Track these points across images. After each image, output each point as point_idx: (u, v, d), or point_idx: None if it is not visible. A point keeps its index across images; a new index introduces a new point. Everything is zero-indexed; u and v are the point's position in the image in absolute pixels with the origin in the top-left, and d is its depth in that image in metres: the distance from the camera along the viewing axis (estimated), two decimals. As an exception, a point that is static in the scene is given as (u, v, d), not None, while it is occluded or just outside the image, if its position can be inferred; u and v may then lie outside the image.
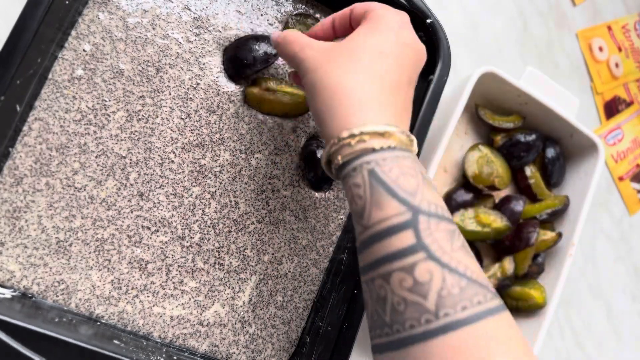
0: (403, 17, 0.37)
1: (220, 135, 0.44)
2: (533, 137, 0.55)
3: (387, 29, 0.35)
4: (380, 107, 0.33)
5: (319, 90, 0.34)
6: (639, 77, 0.74)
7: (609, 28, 0.73)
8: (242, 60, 0.44)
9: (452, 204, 0.54)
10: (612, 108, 0.72)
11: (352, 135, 0.32)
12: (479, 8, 0.64)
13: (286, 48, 0.38)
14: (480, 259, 0.54)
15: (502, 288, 0.55)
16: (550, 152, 0.57)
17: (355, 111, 0.33)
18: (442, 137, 0.49)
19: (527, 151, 0.56)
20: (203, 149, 0.43)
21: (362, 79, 0.33)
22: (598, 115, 0.71)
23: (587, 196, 0.55)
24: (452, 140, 0.57)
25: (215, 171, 0.43)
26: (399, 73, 0.35)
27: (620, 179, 0.72)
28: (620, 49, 0.73)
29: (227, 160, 0.44)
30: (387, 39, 0.35)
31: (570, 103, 0.56)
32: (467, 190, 0.55)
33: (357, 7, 0.39)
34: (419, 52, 0.36)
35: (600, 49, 0.71)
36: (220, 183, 0.43)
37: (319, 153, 0.46)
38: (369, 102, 0.33)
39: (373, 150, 0.31)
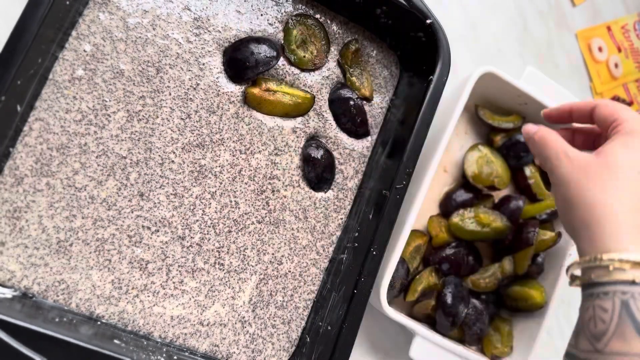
0: None
1: (220, 135, 0.44)
2: (533, 137, 0.55)
3: None
4: (636, 232, 0.33)
5: (575, 205, 0.35)
6: (638, 78, 0.74)
7: (609, 28, 0.73)
8: (244, 62, 0.44)
9: (451, 203, 0.54)
10: (611, 108, 0.72)
11: (612, 260, 0.32)
12: (478, 8, 0.64)
13: (541, 149, 0.39)
14: (480, 259, 0.54)
15: (502, 288, 0.55)
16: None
17: (616, 234, 0.33)
18: (442, 137, 0.49)
19: (527, 151, 0.56)
20: (203, 149, 0.43)
21: (622, 200, 0.34)
22: (598, 116, 0.71)
23: (586, 196, 0.55)
24: (452, 140, 0.57)
25: (215, 171, 0.43)
26: None
27: (620, 179, 0.71)
28: (619, 50, 0.73)
29: (227, 160, 0.44)
30: None
31: (570, 103, 0.56)
32: (467, 190, 0.55)
33: (602, 106, 0.38)
34: None
35: (600, 49, 0.71)
36: (221, 183, 0.44)
37: (319, 153, 0.46)
38: (631, 228, 0.33)
39: (633, 283, 0.31)
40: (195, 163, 0.43)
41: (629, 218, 0.33)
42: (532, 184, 0.57)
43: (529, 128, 0.41)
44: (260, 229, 0.45)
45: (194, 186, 0.43)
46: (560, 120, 0.43)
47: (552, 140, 0.38)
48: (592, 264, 0.33)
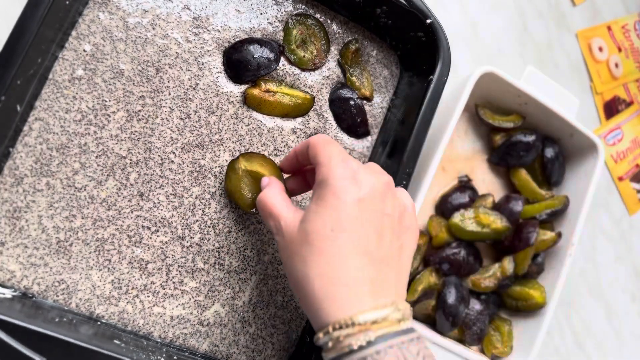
0: (349, 167, 0.34)
1: (220, 135, 0.44)
2: (533, 137, 0.55)
3: (333, 198, 0.33)
4: (351, 293, 0.31)
5: (293, 287, 0.35)
6: (638, 77, 0.74)
7: (609, 28, 0.73)
8: (246, 65, 0.44)
9: (447, 206, 0.54)
10: (611, 108, 0.72)
11: (328, 335, 0.31)
12: (478, 8, 0.64)
13: (264, 218, 0.38)
14: (480, 259, 0.54)
15: (502, 288, 0.55)
16: (549, 152, 0.57)
17: (325, 307, 0.32)
18: (442, 137, 0.49)
19: (527, 151, 0.56)
20: (203, 150, 0.43)
21: (322, 269, 0.32)
22: (598, 115, 0.71)
23: (586, 196, 0.55)
24: (452, 139, 0.57)
25: (215, 172, 0.43)
26: (359, 242, 0.33)
27: (620, 179, 0.72)
28: (620, 49, 0.73)
29: (226, 160, 0.44)
30: (335, 212, 0.33)
31: (570, 103, 0.56)
32: (462, 192, 0.55)
33: (311, 144, 0.37)
34: (380, 200, 0.34)
35: (600, 49, 0.71)
36: (220, 184, 0.43)
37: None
38: (334, 293, 0.31)
39: (360, 348, 0.30)
40: (195, 163, 0.43)
41: (328, 283, 0.32)
42: (520, 188, 0.57)
43: (263, 181, 0.41)
44: (260, 229, 0.45)
45: (194, 186, 0.43)
46: (293, 168, 0.42)
47: (270, 207, 0.37)
48: (322, 341, 0.32)
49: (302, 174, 0.43)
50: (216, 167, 0.44)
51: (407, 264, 0.35)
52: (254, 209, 0.43)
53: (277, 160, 0.45)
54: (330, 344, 0.31)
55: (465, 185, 0.56)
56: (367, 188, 0.34)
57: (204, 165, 0.43)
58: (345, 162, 0.34)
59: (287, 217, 0.35)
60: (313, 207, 0.34)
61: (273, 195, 0.38)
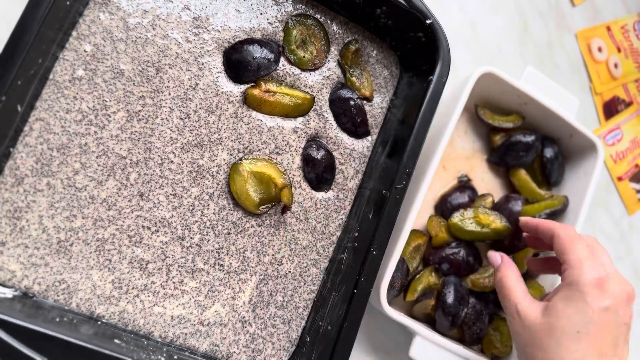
0: (599, 274, 0.37)
1: (219, 135, 0.44)
2: (532, 137, 0.56)
3: (583, 302, 0.37)
4: None
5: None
6: (638, 78, 0.74)
7: (608, 28, 0.73)
8: (246, 66, 0.44)
9: (447, 206, 0.54)
10: (611, 108, 0.72)
11: None
12: (478, 8, 0.64)
13: (500, 296, 0.42)
14: (479, 259, 0.54)
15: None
16: (549, 152, 0.57)
17: None
18: (442, 137, 0.49)
19: (526, 151, 0.56)
20: (201, 149, 0.43)
21: None
22: (597, 116, 0.71)
23: (586, 196, 0.56)
24: (452, 139, 0.57)
25: (212, 172, 0.43)
26: (599, 347, 0.36)
27: (620, 179, 0.72)
28: (619, 50, 0.73)
29: (224, 160, 0.44)
30: (583, 314, 0.36)
31: (570, 103, 0.56)
32: (462, 193, 0.55)
33: (558, 240, 0.41)
34: (622, 310, 0.37)
35: (600, 49, 0.71)
36: (218, 184, 0.44)
37: (319, 154, 0.46)
38: None
39: None
40: (194, 163, 0.43)
41: None
42: (519, 188, 0.57)
43: (494, 258, 0.46)
44: (260, 231, 0.45)
45: (193, 187, 0.43)
46: (530, 232, 0.47)
47: (509, 290, 0.41)
48: None
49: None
50: (214, 166, 0.44)
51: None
52: (260, 209, 0.43)
53: (280, 159, 0.46)
54: None
55: (464, 185, 0.56)
56: (613, 298, 0.37)
57: (202, 165, 0.43)
58: (594, 267, 0.38)
59: (526, 303, 0.40)
60: (561, 307, 0.37)
61: (512, 277, 0.42)
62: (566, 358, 0.36)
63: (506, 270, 0.43)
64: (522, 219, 0.48)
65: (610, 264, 0.39)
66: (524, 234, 0.50)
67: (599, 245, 0.41)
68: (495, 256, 0.46)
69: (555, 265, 0.47)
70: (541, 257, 0.48)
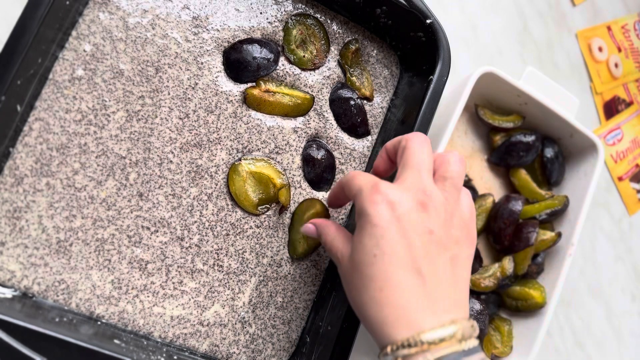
0: (377, 195, 0.34)
1: (218, 134, 0.44)
2: (532, 137, 0.55)
3: (371, 226, 0.33)
4: (402, 314, 0.31)
5: (352, 304, 0.35)
6: (638, 78, 0.74)
7: (609, 28, 0.73)
8: (246, 66, 0.44)
9: None
10: (611, 108, 0.72)
11: (385, 357, 0.31)
12: (478, 8, 0.64)
13: (330, 255, 0.38)
14: (479, 259, 0.54)
15: (502, 288, 0.55)
16: (549, 152, 0.57)
17: (378, 331, 0.32)
18: (442, 137, 0.49)
19: (527, 151, 0.56)
20: (200, 149, 0.43)
21: (371, 294, 0.32)
22: (597, 116, 0.71)
23: (586, 196, 0.55)
24: (452, 139, 0.57)
25: (211, 172, 0.43)
26: (401, 262, 0.32)
27: (620, 179, 0.72)
28: (619, 49, 0.73)
29: (223, 160, 0.44)
30: (374, 238, 0.33)
31: (570, 103, 0.56)
32: None
33: (342, 184, 0.38)
34: (416, 224, 0.33)
35: (600, 49, 0.71)
36: (216, 184, 0.43)
37: (319, 154, 0.46)
38: (388, 316, 0.32)
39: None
40: (193, 163, 0.43)
41: (385, 308, 0.32)
42: (519, 188, 0.57)
43: (308, 229, 0.41)
44: (259, 233, 0.44)
45: (192, 187, 0.43)
46: (388, 171, 0.41)
47: (328, 243, 0.38)
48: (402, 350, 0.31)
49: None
50: (212, 166, 0.44)
51: (464, 275, 0.34)
52: (259, 209, 0.44)
53: (279, 159, 0.46)
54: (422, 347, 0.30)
55: (465, 185, 0.56)
56: (402, 207, 0.33)
57: (201, 165, 0.43)
58: (375, 188, 0.34)
59: (343, 250, 0.36)
60: (356, 238, 0.34)
61: (328, 232, 0.39)
62: (370, 287, 0.32)
63: (324, 228, 0.39)
64: (374, 166, 0.41)
65: (393, 184, 0.35)
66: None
67: (412, 144, 0.37)
68: (308, 226, 0.41)
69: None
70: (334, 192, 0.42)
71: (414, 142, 0.36)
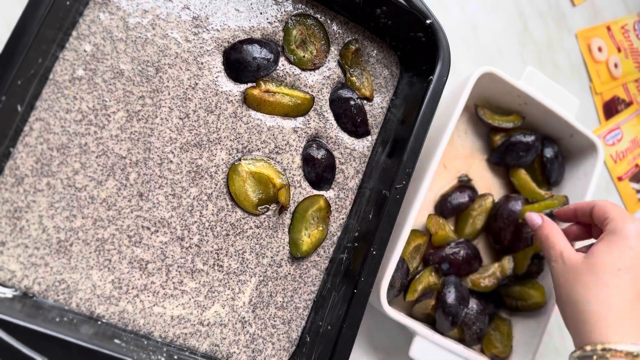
0: (636, 226, 0.41)
1: (218, 134, 0.44)
2: (532, 137, 0.56)
3: (624, 244, 0.40)
4: (621, 324, 0.37)
5: (566, 305, 0.41)
6: (638, 78, 0.74)
7: (608, 28, 0.73)
8: (246, 66, 0.44)
9: (447, 206, 0.54)
10: (611, 108, 0.72)
11: (594, 351, 0.37)
12: (478, 8, 0.64)
13: (545, 248, 0.45)
14: (479, 259, 0.54)
15: (502, 288, 0.55)
16: (549, 152, 0.57)
17: (596, 328, 0.38)
18: (442, 136, 0.49)
19: (526, 151, 0.56)
20: (200, 149, 0.43)
21: (602, 297, 0.39)
22: (597, 116, 0.71)
23: (586, 196, 0.56)
24: (452, 139, 0.57)
25: (211, 172, 0.43)
26: (638, 286, 0.39)
27: (619, 179, 0.72)
28: (619, 50, 0.73)
29: (222, 159, 0.44)
30: (624, 254, 0.39)
31: (570, 103, 0.56)
32: (461, 192, 0.55)
33: (598, 206, 0.44)
34: None
35: (600, 49, 0.71)
36: (216, 184, 0.43)
37: (319, 153, 0.46)
38: (610, 320, 0.38)
39: None
40: (193, 163, 0.43)
41: (607, 312, 0.38)
42: (519, 187, 0.57)
43: (534, 219, 0.48)
44: (259, 233, 0.45)
45: (191, 187, 0.43)
46: (568, 219, 0.49)
47: (553, 240, 0.45)
48: (587, 353, 0.38)
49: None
50: (212, 166, 0.44)
51: None
52: (258, 209, 0.44)
53: (279, 158, 0.46)
54: (594, 358, 0.37)
55: (465, 185, 0.56)
56: None
57: (201, 165, 0.43)
58: (635, 222, 0.41)
59: (569, 250, 0.43)
60: (602, 247, 0.41)
61: (556, 231, 0.46)
62: (604, 292, 0.38)
63: (550, 227, 0.46)
64: (557, 210, 0.51)
65: None
66: (561, 226, 0.51)
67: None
68: (533, 217, 0.48)
69: (589, 229, 0.49)
70: (573, 207, 0.49)
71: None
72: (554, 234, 0.45)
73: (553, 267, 0.43)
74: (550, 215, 0.56)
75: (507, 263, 0.54)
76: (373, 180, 0.47)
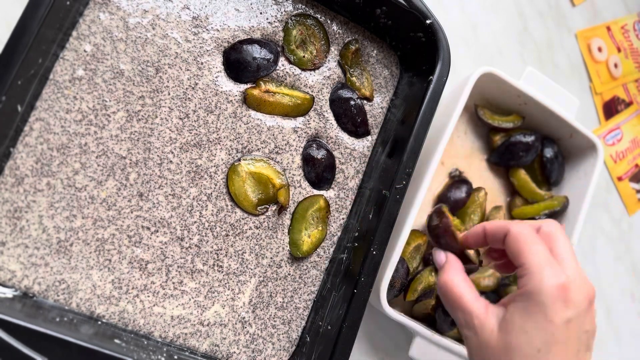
0: (560, 281, 0.33)
1: (217, 134, 0.44)
2: (532, 137, 0.56)
3: (542, 316, 0.32)
4: None
5: None
6: (638, 78, 0.74)
7: (608, 28, 0.73)
8: (246, 66, 0.44)
9: (446, 204, 0.54)
10: (611, 108, 0.72)
11: None
12: (478, 8, 0.64)
13: (450, 306, 0.37)
14: (479, 259, 0.54)
15: (502, 287, 0.55)
16: (549, 152, 0.57)
17: None
18: (442, 137, 0.49)
19: (526, 151, 0.56)
20: (200, 149, 0.43)
21: None
22: (597, 116, 0.71)
23: (586, 196, 0.56)
24: (452, 139, 0.57)
25: (210, 172, 0.43)
26: None
27: (619, 179, 0.72)
28: (619, 50, 0.73)
29: (222, 159, 0.44)
30: (542, 330, 0.32)
31: (570, 103, 0.56)
32: (457, 188, 0.54)
33: (511, 237, 0.35)
34: (584, 318, 0.33)
35: (600, 49, 0.71)
36: (216, 185, 0.43)
37: (319, 153, 0.46)
38: None
39: None
40: (192, 163, 0.43)
41: None
42: (518, 188, 0.57)
43: (438, 257, 0.40)
44: (258, 234, 0.45)
45: (191, 187, 0.43)
46: (477, 244, 0.40)
47: (458, 295, 0.36)
48: None
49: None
50: (212, 167, 0.44)
51: None
52: (258, 209, 0.44)
53: (279, 158, 0.46)
54: None
55: (458, 179, 0.56)
56: (576, 308, 0.32)
57: (201, 165, 0.43)
58: (555, 272, 0.33)
59: (480, 315, 0.35)
60: (518, 321, 0.33)
61: (458, 281, 0.37)
62: None
63: (452, 274, 0.37)
64: (463, 235, 0.41)
65: (571, 258, 0.34)
66: (471, 251, 0.44)
67: (560, 234, 0.36)
68: (440, 255, 0.40)
69: (511, 265, 0.39)
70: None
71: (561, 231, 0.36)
72: (458, 285, 0.36)
73: (466, 337, 0.36)
74: (552, 215, 0.56)
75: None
76: (373, 180, 0.47)
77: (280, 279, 0.45)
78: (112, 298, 0.40)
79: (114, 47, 0.41)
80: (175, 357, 0.40)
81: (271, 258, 0.45)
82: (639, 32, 0.75)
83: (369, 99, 0.49)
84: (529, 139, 0.55)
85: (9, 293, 0.37)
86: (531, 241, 0.35)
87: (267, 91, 0.45)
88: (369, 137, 0.49)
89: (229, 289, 0.43)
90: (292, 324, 0.45)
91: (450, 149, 0.56)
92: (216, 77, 0.44)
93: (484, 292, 0.54)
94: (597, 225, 0.69)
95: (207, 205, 0.43)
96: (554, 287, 0.32)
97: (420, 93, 0.46)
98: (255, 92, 0.45)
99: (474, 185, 0.56)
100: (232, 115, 0.44)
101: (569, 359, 0.32)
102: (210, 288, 0.43)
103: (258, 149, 0.45)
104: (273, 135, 0.46)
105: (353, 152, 0.48)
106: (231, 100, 0.45)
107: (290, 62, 0.46)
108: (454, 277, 0.37)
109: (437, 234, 0.45)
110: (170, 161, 0.42)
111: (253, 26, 0.46)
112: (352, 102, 0.47)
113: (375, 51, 0.50)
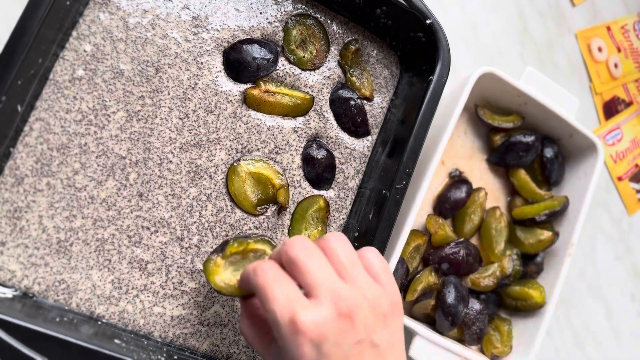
0: (282, 308, 0.30)
1: (217, 134, 0.44)
2: (532, 137, 0.56)
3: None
4: None
5: None
6: (638, 78, 0.74)
7: (608, 28, 0.73)
8: (246, 66, 0.44)
9: (445, 206, 0.54)
10: (611, 108, 0.72)
11: None
12: (478, 8, 0.64)
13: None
14: (479, 259, 0.54)
15: (502, 287, 0.55)
16: (549, 152, 0.57)
17: None
18: (442, 137, 0.49)
19: (526, 151, 0.56)
20: (200, 149, 0.43)
21: None
22: (597, 116, 0.71)
23: (586, 196, 0.55)
24: (452, 139, 0.57)
25: (210, 172, 0.43)
26: None
27: (619, 179, 0.72)
28: (619, 50, 0.73)
29: (222, 159, 0.44)
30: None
31: (570, 103, 0.56)
32: (457, 188, 0.54)
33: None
34: (333, 336, 0.30)
35: (600, 49, 0.71)
36: (215, 185, 0.43)
37: (319, 153, 0.46)
38: None
39: None
40: (192, 163, 0.43)
41: None
42: (519, 188, 0.57)
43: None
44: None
45: (191, 187, 0.43)
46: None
47: (245, 337, 0.35)
48: None
49: None
50: (211, 167, 0.44)
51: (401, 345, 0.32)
52: (258, 210, 0.44)
53: (279, 158, 0.46)
54: None
55: (458, 179, 0.56)
56: (316, 334, 0.29)
57: (200, 165, 0.43)
58: (294, 324, 0.29)
59: (264, 353, 0.34)
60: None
61: (246, 325, 0.35)
62: None
63: (242, 319, 0.36)
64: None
65: (320, 269, 0.31)
66: None
67: (309, 246, 0.32)
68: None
69: None
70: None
71: (332, 242, 0.33)
72: (246, 330, 0.35)
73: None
74: (552, 215, 0.56)
75: (507, 262, 0.54)
76: (373, 180, 0.47)
77: (280, 279, 0.45)
78: (112, 298, 0.40)
79: (113, 47, 0.41)
80: (175, 357, 0.40)
81: (271, 258, 0.45)
82: (639, 32, 0.75)
83: (369, 99, 0.49)
84: (529, 139, 0.55)
85: (9, 293, 0.37)
86: (255, 273, 0.32)
87: (267, 91, 0.45)
88: (369, 137, 0.49)
89: (228, 289, 0.43)
90: (292, 324, 0.45)
91: (450, 149, 0.56)
92: (216, 77, 0.44)
93: (484, 292, 0.54)
94: (597, 225, 0.69)
95: (206, 206, 0.43)
96: (283, 322, 0.29)
97: (420, 93, 0.46)
98: (255, 92, 0.45)
99: (474, 185, 0.56)
100: (232, 115, 0.44)
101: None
102: (211, 288, 0.43)
103: (258, 149, 0.45)
104: (273, 135, 0.46)
105: (353, 152, 0.48)
106: (231, 100, 0.45)
107: (290, 62, 0.46)
108: (244, 323, 0.36)
109: None
110: (170, 161, 0.42)
111: (253, 26, 0.46)
112: (352, 102, 0.47)
113: (375, 51, 0.50)
